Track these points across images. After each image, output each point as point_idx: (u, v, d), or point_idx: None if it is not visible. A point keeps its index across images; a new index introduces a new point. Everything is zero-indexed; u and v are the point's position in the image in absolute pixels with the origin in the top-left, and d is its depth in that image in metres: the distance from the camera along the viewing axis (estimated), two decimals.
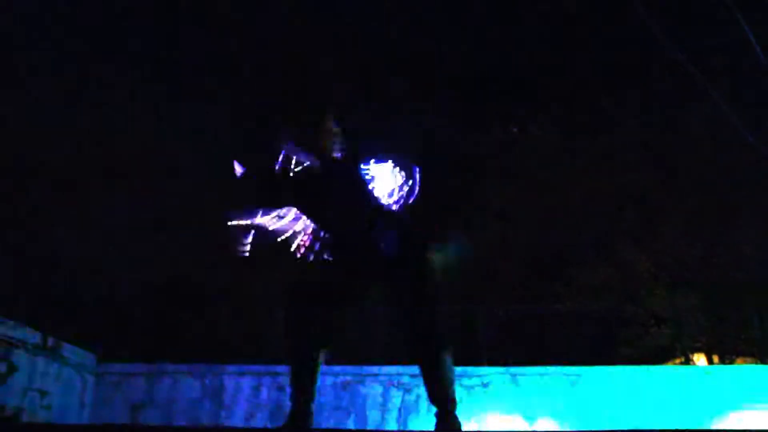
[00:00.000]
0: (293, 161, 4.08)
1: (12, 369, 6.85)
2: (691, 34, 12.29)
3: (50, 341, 7.51)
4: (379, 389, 7.57)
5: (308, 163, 4.04)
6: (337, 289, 3.97)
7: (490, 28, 15.16)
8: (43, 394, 7.27)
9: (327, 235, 4.05)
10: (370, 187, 4.03)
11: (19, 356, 6.95)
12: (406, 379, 7.67)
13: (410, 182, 4.10)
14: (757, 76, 11.78)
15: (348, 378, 7.74)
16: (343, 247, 3.99)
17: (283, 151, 4.10)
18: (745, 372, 8.49)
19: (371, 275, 3.98)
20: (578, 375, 8.12)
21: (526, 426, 7.76)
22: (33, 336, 7.22)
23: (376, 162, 4.07)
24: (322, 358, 3.99)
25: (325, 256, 4.02)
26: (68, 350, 7.84)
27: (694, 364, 12.72)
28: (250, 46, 14.83)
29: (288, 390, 3.91)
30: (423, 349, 3.90)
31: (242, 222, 4.10)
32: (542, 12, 14.79)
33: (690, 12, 12.74)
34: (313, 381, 3.99)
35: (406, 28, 14.88)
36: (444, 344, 3.90)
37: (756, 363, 12.06)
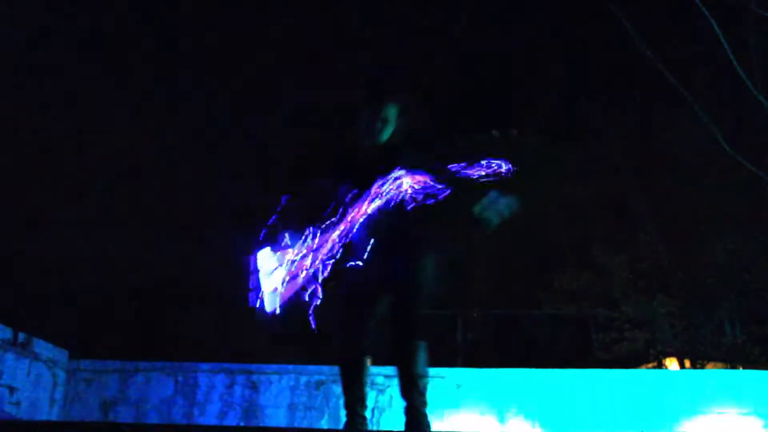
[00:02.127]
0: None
1: None
2: (671, 42, 12.42)
3: (21, 337, 7.42)
4: None
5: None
6: (367, 291, 3.98)
7: (470, 32, 15.22)
8: (13, 390, 7.18)
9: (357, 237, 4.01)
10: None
11: None
12: (380, 380, 7.67)
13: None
14: (735, 85, 11.93)
15: (322, 377, 7.73)
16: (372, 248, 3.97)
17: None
18: (715, 377, 8.58)
19: (385, 275, 3.98)
20: (552, 378, 8.16)
21: (499, 428, 7.78)
22: (3, 331, 7.13)
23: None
24: (369, 361, 3.99)
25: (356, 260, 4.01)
26: (40, 346, 7.75)
27: (666, 368, 12.84)
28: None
29: (342, 399, 3.91)
30: (401, 343, 3.90)
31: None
32: (525, 17, 14.88)
33: (671, 20, 12.88)
34: (364, 384, 3.99)
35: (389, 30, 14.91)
36: (421, 339, 3.90)
37: (727, 368, 12.23)
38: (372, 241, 3.91)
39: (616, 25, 12.26)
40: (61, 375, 8.11)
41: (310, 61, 15.35)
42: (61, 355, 8.18)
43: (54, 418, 7.73)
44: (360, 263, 3.93)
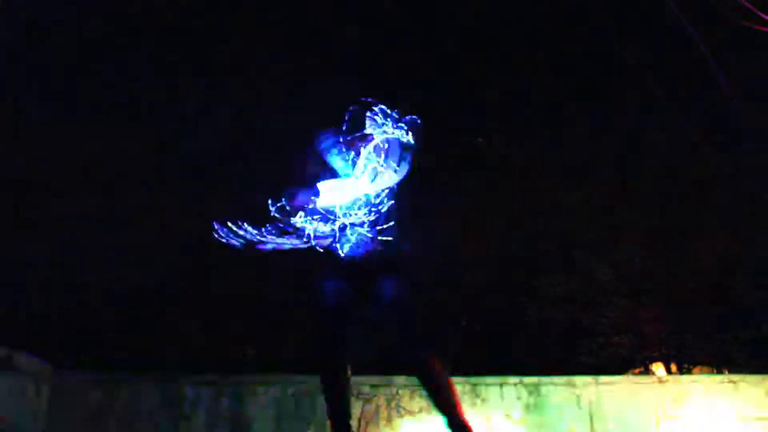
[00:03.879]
0: None
1: None
2: (652, 46, 12.50)
3: (2, 351, 7.31)
4: None
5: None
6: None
7: (457, 35, 15.24)
8: None
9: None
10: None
11: None
12: (366, 389, 7.66)
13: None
14: (719, 89, 12.00)
15: (309, 388, 7.69)
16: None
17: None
18: (702, 382, 8.62)
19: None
20: (538, 385, 8.16)
21: None
22: None
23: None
24: (349, 370, 4.01)
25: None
26: (22, 360, 7.64)
27: (653, 373, 12.90)
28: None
29: (326, 408, 3.91)
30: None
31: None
32: (508, 22, 14.93)
33: (653, 25, 12.96)
34: (346, 395, 4.01)
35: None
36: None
37: (713, 373, 12.30)
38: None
39: (597, 28, 12.34)
40: (45, 389, 8.01)
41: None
42: (44, 368, 8.07)
43: None
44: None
